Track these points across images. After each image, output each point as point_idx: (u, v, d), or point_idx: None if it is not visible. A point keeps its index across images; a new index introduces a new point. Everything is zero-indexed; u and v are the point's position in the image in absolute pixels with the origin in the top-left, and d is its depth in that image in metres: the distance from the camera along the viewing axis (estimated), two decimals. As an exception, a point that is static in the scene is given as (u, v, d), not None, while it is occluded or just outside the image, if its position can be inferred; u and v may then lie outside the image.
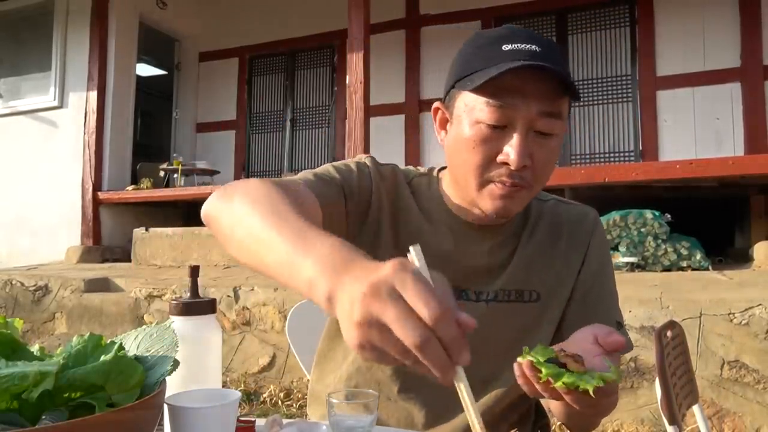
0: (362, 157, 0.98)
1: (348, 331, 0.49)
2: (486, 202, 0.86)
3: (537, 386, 0.64)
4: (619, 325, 0.96)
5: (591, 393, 0.59)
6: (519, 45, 0.80)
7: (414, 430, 0.90)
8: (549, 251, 0.96)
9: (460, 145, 0.85)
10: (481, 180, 0.84)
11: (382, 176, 0.96)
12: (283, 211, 0.65)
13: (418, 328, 0.46)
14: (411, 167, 1.02)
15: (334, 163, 0.95)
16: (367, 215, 0.93)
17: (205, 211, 0.77)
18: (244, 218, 0.68)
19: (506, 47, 0.80)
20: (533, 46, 0.80)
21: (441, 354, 0.47)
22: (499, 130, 0.81)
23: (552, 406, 0.85)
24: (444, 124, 0.91)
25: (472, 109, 0.82)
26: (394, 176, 0.97)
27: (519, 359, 0.64)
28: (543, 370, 0.62)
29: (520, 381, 0.65)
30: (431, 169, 1.00)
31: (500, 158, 0.82)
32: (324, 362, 1.04)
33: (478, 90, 0.80)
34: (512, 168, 0.81)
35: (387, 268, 0.48)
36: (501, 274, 0.94)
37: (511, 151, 0.80)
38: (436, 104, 0.92)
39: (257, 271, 0.66)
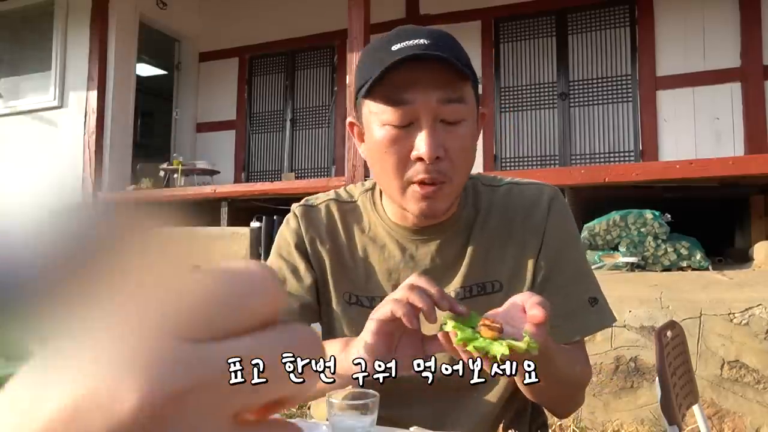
0: (291, 214, 1.01)
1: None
2: (411, 205, 0.86)
3: (459, 352, 0.65)
4: (594, 301, 0.93)
5: (498, 359, 0.61)
6: (406, 42, 0.81)
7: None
8: (505, 238, 0.94)
9: (375, 151, 0.86)
10: (401, 182, 0.85)
11: (312, 224, 0.99)
12: None
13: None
14: (359, 184, 1.04)
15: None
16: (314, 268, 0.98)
17: None
18: None
19: (395, 47, 0.81)
20: (421, 40, 0.81)
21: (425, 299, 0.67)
22: (406, 128, 0.82)
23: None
24: (361, 137, 0.92)
25: (377, 114, 0.84)
26: (328, 214, 0.99)
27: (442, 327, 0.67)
28: (458, 334, 0.64)
29: (445, 348, 0.67)
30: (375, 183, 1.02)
31: (414, 155, 0.82)
32: None
33: (376, 94, 0.82)
34: (426, 162, 0.81)
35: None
36: (457, 270, 0.94)
37: (421, 145, 0.81)
38: (349, 119, 0.94)
39: None
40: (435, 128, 0.82)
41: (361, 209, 1.00)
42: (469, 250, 0.94)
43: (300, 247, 0.98)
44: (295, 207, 1.02)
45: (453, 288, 0.93)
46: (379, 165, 0.87)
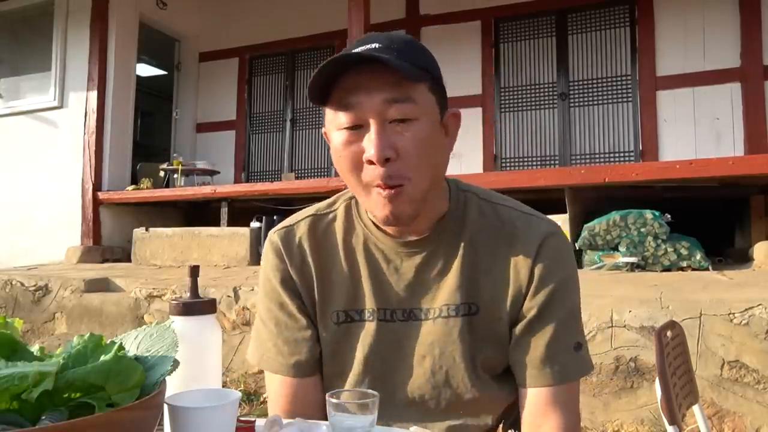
0: (270, 244, 0.97)
1: None
2: (376, 210, 0.85)
3: None
4: (579, 347, 0.89)
5: None
6: (361, 47, 0.83)
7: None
8: (489, 264, 0.91)
9: (334, 156, 0.86)
10: (362, 186, 0.84)
11: (293, 249, 0.95)
12: None
13: None
14: (346, 192, 0.98)
15: (265, 314, 0.96)
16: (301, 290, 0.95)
17: None
18: None
19: (351, 52, 0.82)
20: (374, 44, 0.83)
21: None
22: (358, 131, 0.82)
23: None
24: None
25: (332, 120, 0.85)
26: (309, 232, 0.96)
27: None
28: None
29: None
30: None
31: (365, 157, 0.82)
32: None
33: (329, 100, 0.83)
34: (375, 162, 0.80)
35: None
36: (440, 286, 0.91)
37: (369, 146, 0.81)
38: (323, 129, 0.93)
39: None
40: (384, 129, 0.81)
41: (343, 218, 0.96)
42: (455, 267, 0.91)
43: (287, 282, 0.95)
44: (272, 234, 0.98)
45: (438, 305, 0.90)
46: (342, 171, 0.86)
